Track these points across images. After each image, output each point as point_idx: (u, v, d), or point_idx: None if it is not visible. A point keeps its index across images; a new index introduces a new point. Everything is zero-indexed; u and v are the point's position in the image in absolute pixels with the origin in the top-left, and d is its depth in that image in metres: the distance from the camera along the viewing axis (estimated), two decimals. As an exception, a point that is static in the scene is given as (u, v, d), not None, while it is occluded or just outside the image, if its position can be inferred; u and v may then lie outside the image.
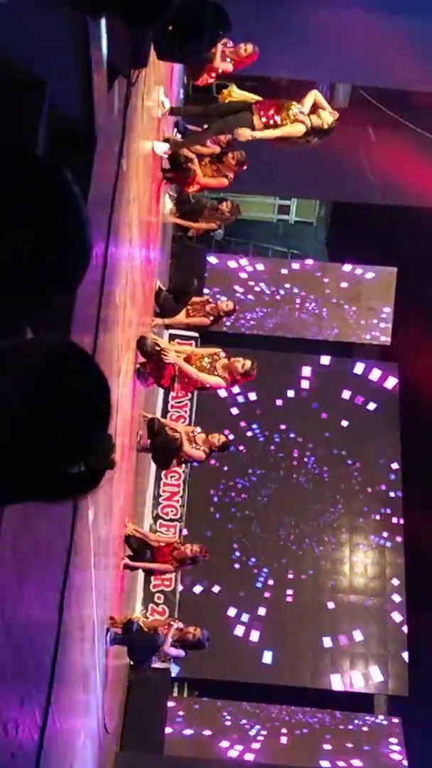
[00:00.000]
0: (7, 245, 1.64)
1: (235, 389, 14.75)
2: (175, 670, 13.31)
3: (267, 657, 15.02)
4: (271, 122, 9.32)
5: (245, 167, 11.30)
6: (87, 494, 1.96)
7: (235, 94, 9.86)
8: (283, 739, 14.45)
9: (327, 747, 14.40)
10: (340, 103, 15.21)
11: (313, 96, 9.47)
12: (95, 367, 1.84)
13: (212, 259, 17.39)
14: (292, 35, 11.58)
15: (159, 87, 9.44)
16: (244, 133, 9.42)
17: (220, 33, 7.45)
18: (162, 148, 10.26)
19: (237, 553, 15.57)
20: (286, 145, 9.56)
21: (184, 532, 14.18)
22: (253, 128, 9.41)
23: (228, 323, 15.25)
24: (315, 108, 9.46)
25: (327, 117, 9.33)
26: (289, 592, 15.52)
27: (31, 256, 1.68)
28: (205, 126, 10.43)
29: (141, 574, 10.62)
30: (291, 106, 9.29)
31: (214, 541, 15.00)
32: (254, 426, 16.60)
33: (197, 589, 15.01)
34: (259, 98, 9.60)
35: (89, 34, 4.20)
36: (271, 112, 9.39)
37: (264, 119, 9.35)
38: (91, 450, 1.82)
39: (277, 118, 9.30)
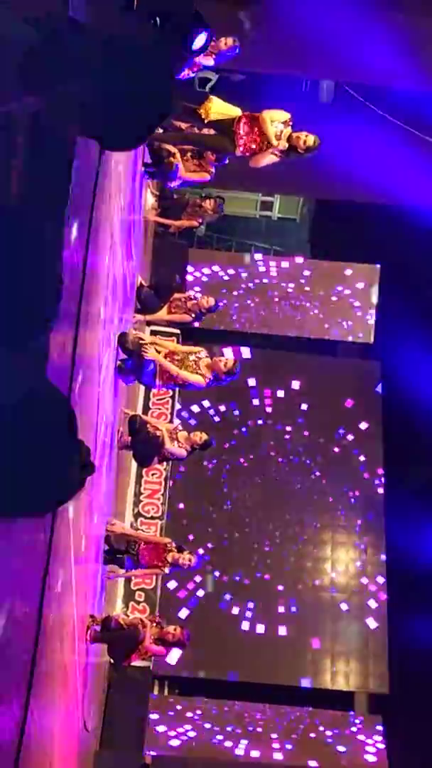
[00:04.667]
0: None
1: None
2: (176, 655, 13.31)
3: (247, 655, 15.01)
4: (251, 148, 9.34)
5: (226, 161, 11.28)
6: (68, 501, 1.97)
7: (215, 109, 9.79)
8: (264, 738, 14.45)
9: (308, 745, 14.41)
10: (324, 99, 15.20)
11: (280, 116, 9.45)
12: (56, 394, 1.85)
13: (190, 269, 17.28)
14: (276, 31, 11.54)
15: None
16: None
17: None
18: None
19: (214, 554, 15.54)
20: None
21: (190, 537, 14.26)
22: (235, 151, 9.47)
23: (213, 320, 15.22)
24: (287, 123, 9.45)
25: (301, 142, 9.31)
26: (268, 590, 15.51)
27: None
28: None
29: (121, 571, 10.58)
30: (268, 131, 9.25)
31: (196, 538, 15.01)
32: (237, 424, 16.57)
33: (172, 584, 15.00)
34: (239, 113, 9.55)
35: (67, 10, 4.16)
36: (254, 145, 9.41)
37: (242, 148, 9.38)
38: (70, 463, 1.82)
39: (254, 146, 9.32)
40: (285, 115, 9.30)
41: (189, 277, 16.71)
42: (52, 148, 2.08)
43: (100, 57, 2.08)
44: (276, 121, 9.23)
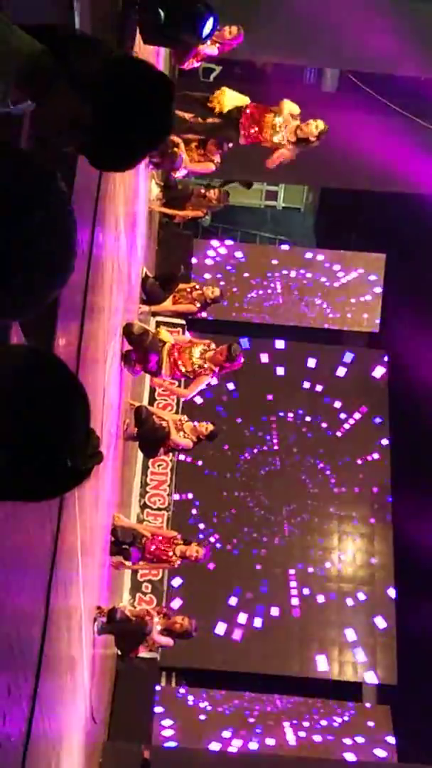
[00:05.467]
0: None
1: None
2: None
3: (255, 646, 15.00)
4: (251, 141, 9.36)
5: (227, 149, 11.26)
6: (73, 490, 1.94)
7: (228, 102, 9.81)
8: (272, 729, 14.45)
9: (316, 736, 14.41)
10: (329, 88, 15.15)
11: (288, 107, 9.45)
12: (64, 369, 1.81)
13: (198, 244, 17.31)
14: (280, 20, 11.49)
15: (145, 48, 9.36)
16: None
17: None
18: None
19: (220, 543, 15.51)
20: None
21: (201, 525, 14.25)
22: (239, 141, 9.47)
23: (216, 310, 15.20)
24: (296, 117, 9.45)
25: (312, 129, 9.31)
26: (276, 580, 15.49)
27: (19, 250, 1.62)
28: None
29: (128, 563, 10.57)
30: (273, 123, 9.26)
31: (198, 528, 15.00)
32: (242, 415, 16.54)
33: (176, 582, 14.94)
34: (248, 102, 9.56)
35: (73, 19, 4.14)
36: (254, 131, 9.41)
37: (247, 137, 9.37)
38: (76, 450, 1.79)
39: (261, 140, 9.34)
40: (297, 109, 9.33)
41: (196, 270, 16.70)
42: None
43: (102, 75, 2.09)
44: (287, 113, 9.25)
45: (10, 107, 2.00)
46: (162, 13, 6.45)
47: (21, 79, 2.00)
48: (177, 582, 14.64)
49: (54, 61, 2.04)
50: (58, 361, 1.81)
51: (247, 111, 9.46)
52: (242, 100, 9.70)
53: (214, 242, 17.87)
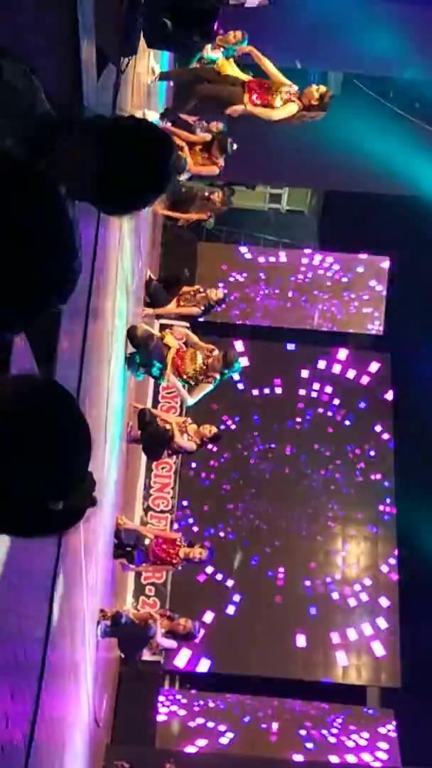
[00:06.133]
0: None
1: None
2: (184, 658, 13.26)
3: (258, 649, 14.97)
4: (259, 102, 9.33)
5: (230, 152, 11.26)
6: (66, 531, 1.92)
7: (231, 68, 9.87)
8: (276, 732, 14.43)
9: (320, 739, 14.38)
10: (332, 91, 15.13)
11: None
12: (76, 408, 1.80)
13: (201, 246, 17.31)
14: (284, 23, 11.51)
15: (149, 52, 9.36)
16: (236, 109, 9.42)
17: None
18: (153, 116, 10.20)
19: (227, 545, 15.50)
20: (284, 123, 9.56)
21: (195, 529, 14.21)
22: (244, 105, 9.44)
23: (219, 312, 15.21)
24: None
25: (313, 92, 9.34)
26: (281, 584, 15.48)
27: (20, 261, 1.63)
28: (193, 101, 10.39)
29: (132, 565, 10.57)
30: (280, 88, 9.29)
31: (204, 533, 14.98)
32: (247, 416, 16.53)
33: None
34: (251, 78, 9.60)
35: (79, 23, 4.14)
36: (260, 93, 9.42)
37: (255, 97, 9.36)
38: (72, 489, 1.78)
39: (268, 98, 9.31)
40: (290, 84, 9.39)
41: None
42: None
43: (109, 127, 2.24)
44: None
45: None
46: (168, 23, 6.46)
47: (33, 131, 2.11)
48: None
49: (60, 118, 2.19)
50: (68, 397, 1.80)
51: (251, 83, 9.54)
52: (243, 75, 9.81)
53: (219, 245, 17.89)
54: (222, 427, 13.59)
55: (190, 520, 15.31)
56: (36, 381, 1.88)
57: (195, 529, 15.11)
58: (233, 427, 16.10)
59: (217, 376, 9.98)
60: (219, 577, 15.22)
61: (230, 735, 14.16)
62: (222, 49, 10.20)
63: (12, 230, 1.61)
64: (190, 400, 10.50)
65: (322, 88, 9.41)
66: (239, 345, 16.37)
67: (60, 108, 2.22)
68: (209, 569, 14.85)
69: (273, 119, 9.40)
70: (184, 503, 15.03)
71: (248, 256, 17.92)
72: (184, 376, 9.96)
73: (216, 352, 10.13)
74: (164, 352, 9.85)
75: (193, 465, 15.28)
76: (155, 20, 6.53)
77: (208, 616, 14.55)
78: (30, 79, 2.17)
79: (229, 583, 15.26)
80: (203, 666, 14.64)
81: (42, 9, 4.07)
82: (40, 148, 2.12)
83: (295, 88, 9.30)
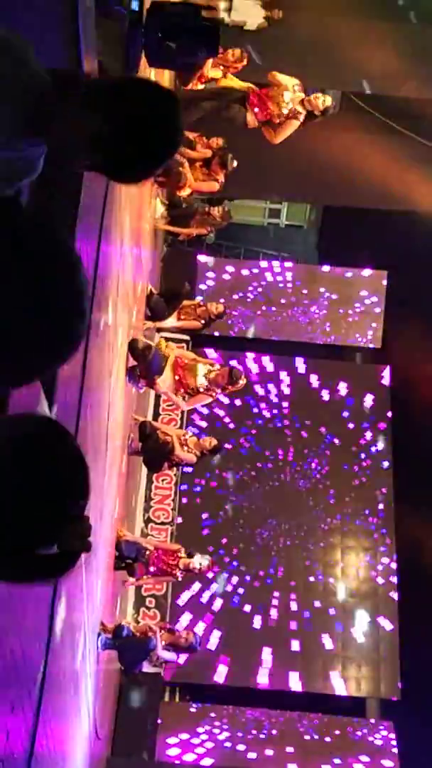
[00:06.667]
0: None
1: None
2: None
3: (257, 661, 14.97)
4: (262, 118, 9.39)
5: (231, 169, 11.32)
6: (60, 576, 1.89)
7: (231, 80, 9.94)
8: (275, 744, 14.41)
9: (319, 751, 14.36)
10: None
11: (286, 80, 9.52)
12: (74, 447, 1.80)
13: (202, 258, 17.37)
14: (282, 42, 11.57)
15: (150, 71, 9.44)
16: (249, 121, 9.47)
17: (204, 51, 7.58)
18: None
19: (226, 558, 15.50)
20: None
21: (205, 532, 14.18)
22: (246, 124, 9.48)
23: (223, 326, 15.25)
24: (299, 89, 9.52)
25: (319, 103, 9.38)
26: (278, 595, 15.47)
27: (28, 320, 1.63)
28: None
29: (131, 579, 10.59)
30: (282, 101, 9.32)
31: (204, 543, 14.98)
32: (244, 429, 16.56)
33: (186, 595, 14.93)
34: (253, 86, 9.66)
35: (80, 41, 4.20)
36: (261, 108, 9.46)
37: (257, 111, 9.41)
38: (66, 532, 1.78)
39: (270, 110, 9.37)
40: (296, 80, 9.40)
41: (202, 286, 16.77)
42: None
43: (114, 91, 2.12)
44: (291, 86, 9.33)
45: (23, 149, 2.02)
46: (172, 45, 6.53)
47: (34, 102, 2.01)
48: (186, 595, 14.66)
49: (62, 89, 2.07)
50: (64, 438, 1.80)
51: (253, 93, 9.58)
52: (243, 85, 9.85)
53: (227, 267, 17.92)
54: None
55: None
56: (32, 423, 1.86)
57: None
58: (231, 436, 16.12)
59: (218, 391, 10.03)
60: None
61: (228, 745, 14.15)
62: (221, 68, 10.29)
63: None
64: (185, 406, 10.54)
65: (328, 101, 9.47)
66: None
67: (57, 75, 2.10)
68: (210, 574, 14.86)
69: (275, 143, 9.47)
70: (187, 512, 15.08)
71: (245, 272, 17.95)
72: (186, 388, 10.01)
73: (217, 367, 10.18)
74: (163, 363, 9.90)
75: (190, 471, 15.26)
76: (156, 39, 6.60)
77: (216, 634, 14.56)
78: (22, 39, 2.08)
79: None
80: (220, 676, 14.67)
81: (45, 28, 4.13)
82: (40, 123, 2.03)
83: (299, 89, 9.34)
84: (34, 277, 1.64)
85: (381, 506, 16.21)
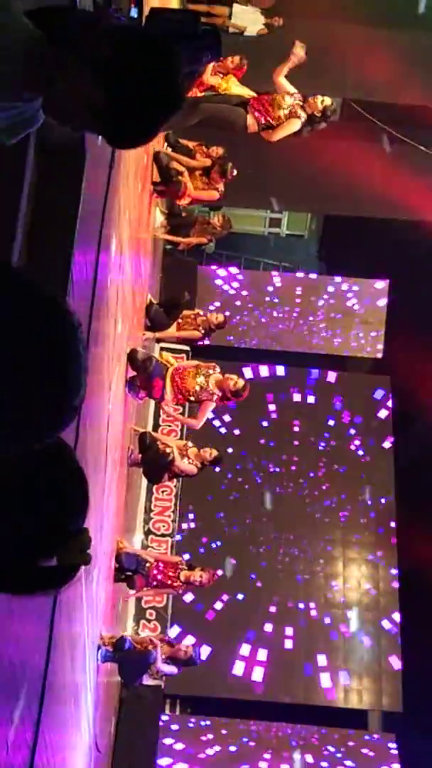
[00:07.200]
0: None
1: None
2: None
3: (258, 673, 14.90)
4: (263, 122, 9.37)
5: (231, 177, 11.30)
6: (60, 588, 1.85)
7: (234, 86, 9.93)
8: (277, 757, 14.35)
9: (322, 763, 14.30)
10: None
11: (285, 85, 9.53)
12: (73, 460, 1.76)
13: (202, 271, 17.38)
14: (282, 51, 11.59)
15: None
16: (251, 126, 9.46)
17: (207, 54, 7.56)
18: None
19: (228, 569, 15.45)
20: (291, 137, 9.60)
21: (202, 550, 14.12)
22: (247, 128, 9.47)
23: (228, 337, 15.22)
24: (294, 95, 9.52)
25: (318, 104, 9.37)
26: (280, 607, 15.42)
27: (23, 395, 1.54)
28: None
29: (132, 591, 10.53)
30: (282, 103, 9.32)
31: (206, 555, 14.93)
32: (245, 441, 16.52)
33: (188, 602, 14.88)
34: (254, 94, 9.66)
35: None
36: (262, 112, 9.46)
37: (258, 117, 9.40)
38: (66, 544, 1.74)
39: (271, 114, 9.36)
40: (292, 88, 9.42)
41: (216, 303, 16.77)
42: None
43: (109, 52, 1.99)
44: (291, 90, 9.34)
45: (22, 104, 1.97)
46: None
47: (29, 62, 1.94)
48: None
49: (56, 45, 1.97)
50: (66, 448, 1.76)
51: (254, 98, 9.57)
52: (247, 92, 9.85)
53: (220, 271, 17.94)
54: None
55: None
56: None
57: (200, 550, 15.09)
58: (231, 450, 16.06)
59: (219, 393, 10.00)
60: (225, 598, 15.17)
61: (232, 759, 14.08)
62: (221, 75, 10.28)
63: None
64: (197, 423, 10.53)
65: (327, 101, 9.47)
66: (281, 370, 16.52)
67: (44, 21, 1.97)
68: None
69: (273, 140, 9.45)
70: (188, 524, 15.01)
71: (247, 280, 17.95)
72: (187, 394, 9.99)
73: (218, 369, 10.17)
74: (164, 373, 9.88)
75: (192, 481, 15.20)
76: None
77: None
78: None
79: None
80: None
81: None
82: (40, 85, 1.96)
83: (299, 96, 9.35)
84: (19, 365, 1.53)
85: (383, 518, 16.16)
